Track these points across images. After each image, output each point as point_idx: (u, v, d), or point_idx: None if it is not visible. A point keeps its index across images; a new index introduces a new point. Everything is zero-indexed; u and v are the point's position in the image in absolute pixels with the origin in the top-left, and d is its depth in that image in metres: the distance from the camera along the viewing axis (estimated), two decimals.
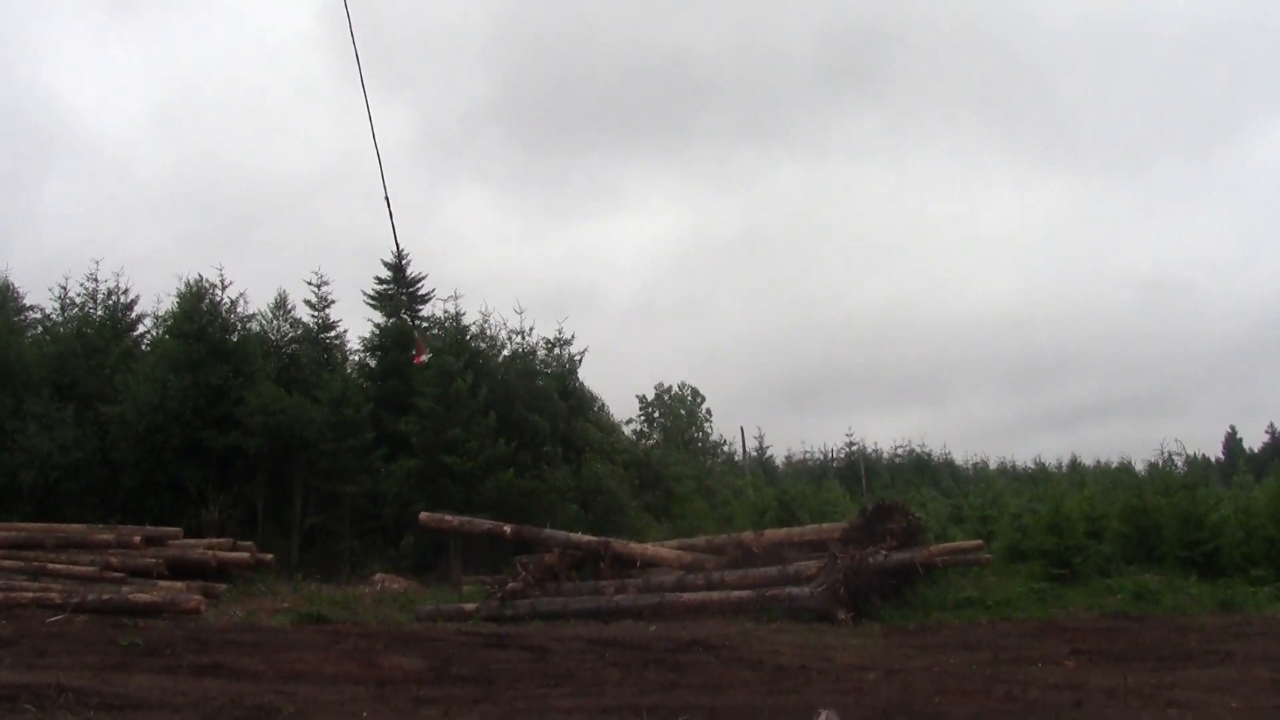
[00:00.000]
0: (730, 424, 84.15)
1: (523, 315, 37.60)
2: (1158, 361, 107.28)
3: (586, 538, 23.54)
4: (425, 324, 31.35)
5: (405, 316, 35.89)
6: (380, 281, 36.89)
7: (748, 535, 22.81)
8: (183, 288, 32.02)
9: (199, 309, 31.30)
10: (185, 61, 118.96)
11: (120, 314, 35.65)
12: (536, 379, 34.59)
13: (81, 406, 30.11)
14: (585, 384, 37.80)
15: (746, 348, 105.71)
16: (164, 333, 33.10)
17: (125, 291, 35.87)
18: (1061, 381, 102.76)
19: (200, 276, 32.20)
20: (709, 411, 60.42)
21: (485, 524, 24.88)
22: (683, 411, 59.13)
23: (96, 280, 35.67)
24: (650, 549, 23.22)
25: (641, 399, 58.72)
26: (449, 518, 25.00)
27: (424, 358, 27.38)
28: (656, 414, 57.92)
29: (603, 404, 43.15)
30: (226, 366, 29.99)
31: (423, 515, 25.04)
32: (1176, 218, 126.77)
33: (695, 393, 60.66)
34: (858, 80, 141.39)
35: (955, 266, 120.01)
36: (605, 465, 33.13)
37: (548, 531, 24.12)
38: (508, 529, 24.19)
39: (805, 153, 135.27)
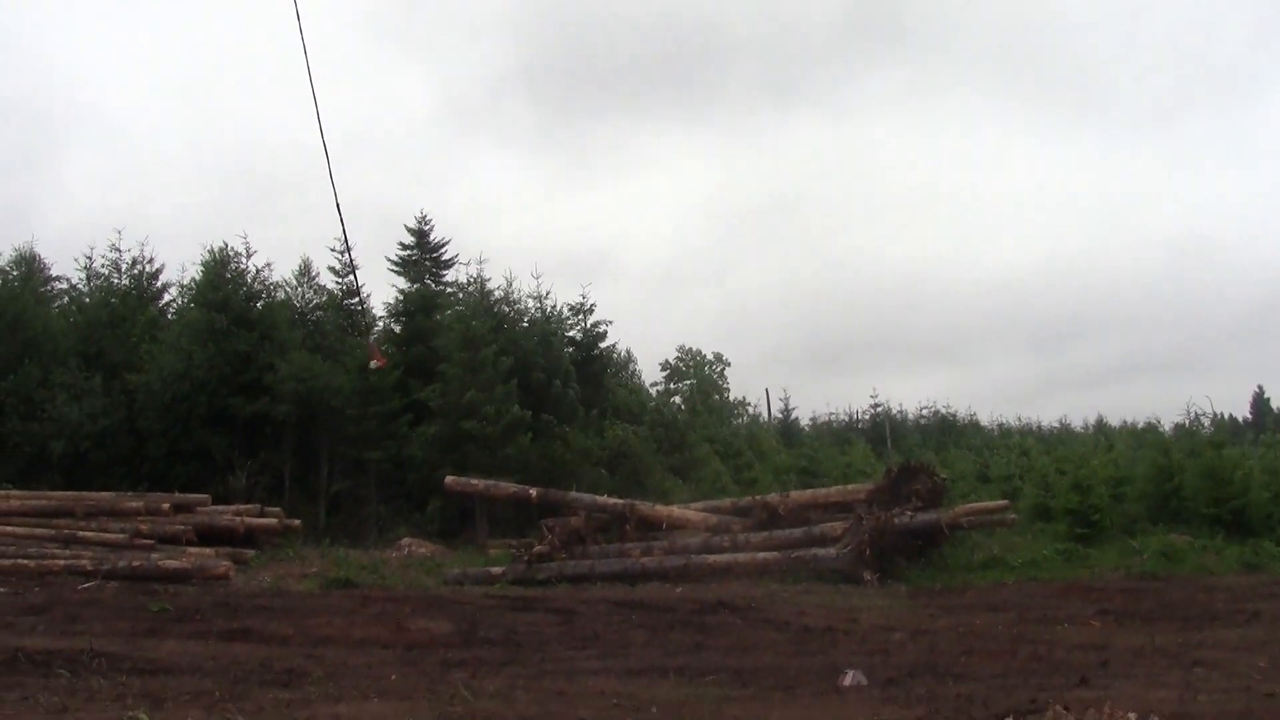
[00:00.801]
0: (755, 386, 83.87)
1: (539, 280, 37.77)
2: (1184, 321, 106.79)
3: (612, 500, 23.59)
4: (374, 333, 31.24)
5: (429, 282, 35.91)
6: (404, 247, 36.92)
7: (773, 497, 22.79)
8: (207, 256, 32.08)
9: (223, 277, 31.33)
10: (206, 31, 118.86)
11: (146, 283, 35.77)
12: (561, 344, 34.56)
13: (108, 376, 30.23)
14: (612, 347, 37.84)
15: (770, 309, 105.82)
16: (189, 302, 33.13)
17: (150, 261, 36.05)
18: (1087, 342, 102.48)
19: (225, 244, 32.27)
20: (724, 374, 60.57)
21: (511, 488, 24.94)
22: (708, 372, 59.25)
23: (119, 250, 35.83)
24: (676, 511, 23.24)
25: (665, 364, 58.86)
26: (474, 481, 25.08)
27: (374, 364, 27.24)
28: (679, 377, 58.06)
29: (632, 367, 43.35)
30: (253, 334, 30.03)
31: (448, 479, 25.12)
32: (1203, 176, 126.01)
33: (719, 357, 60.82)
34: (881, 39, 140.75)
35: (980, 226, 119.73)
36: (631, 427, 33.14)
37: (573, 494, 24.17)
38: (533, 492, 24.26)
39: (828, 113, 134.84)
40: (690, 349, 60.41)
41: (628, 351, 45.17)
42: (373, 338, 29.36)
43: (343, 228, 34.07)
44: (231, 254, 32.04)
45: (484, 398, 28.47)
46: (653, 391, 46.47)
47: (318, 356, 30.40)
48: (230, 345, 29.46)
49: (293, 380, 28.73)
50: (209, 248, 32.22)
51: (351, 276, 34.02)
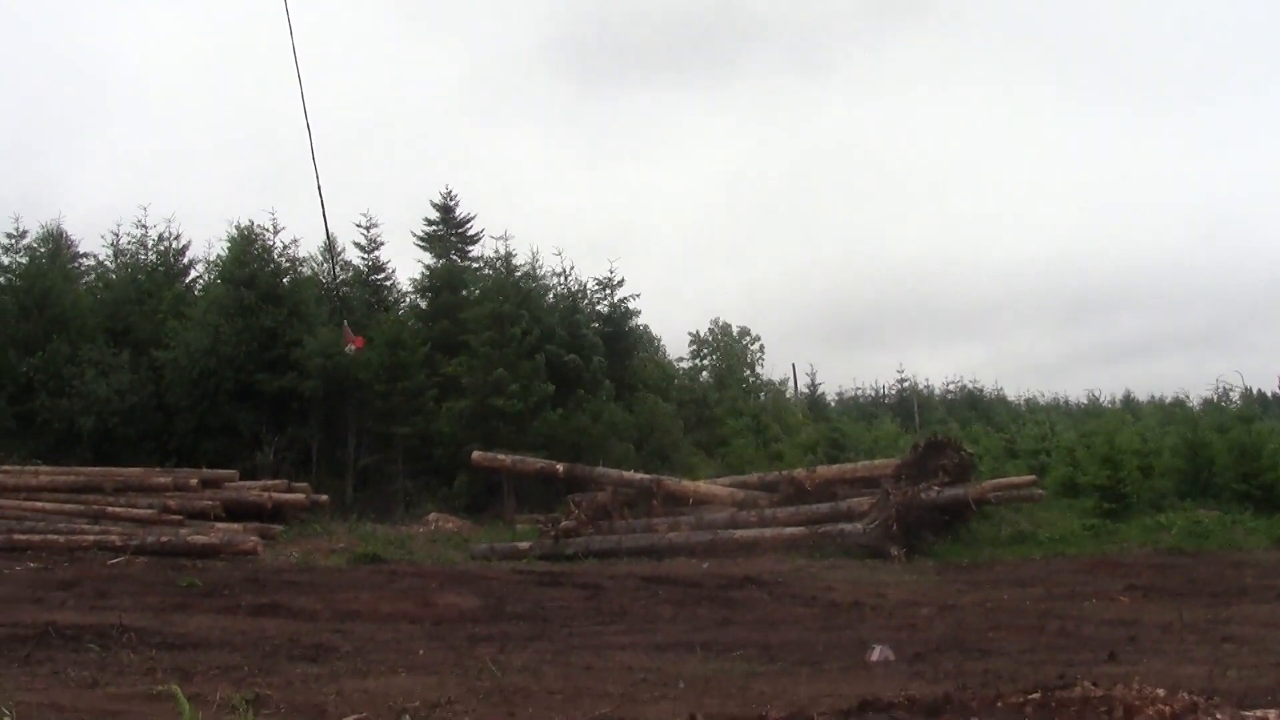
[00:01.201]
0: (781, 361, 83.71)
1: (561, 255, 37.68)
2: (1212, 295, 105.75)
3: (638, 475, 23.60)
4: (347, 318, 31.21)
5: (455, 258, 35.87)
6: (429, 223, 36.89)
7: (800, 472, 22.78)
8: (234, 232, 32.05)
9: (249, 253, 31.31)
10: (234, 6, 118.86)
11: (173, 259, 35.84)
12: (588, 319, 34.52)
13: (136, 352, 30.31)
14: (641, 322, 37.77)
15: (796, 284, 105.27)
16: (215, 278, 33.14)
17: (176, 237, 36.07)
18: (1115, 316, 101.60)
19: (251, 221, 32.23)
20: (762, 349, 60.48)
21: (538, 463, 25.00)
22: (739, 346, 59.20)
23: (144, 227, 35.88)
24: (703, 487, 23.26)
25: (694, 335, 58.81)
26: (501, 457, 25.14)
27: (350, 348, 27.15)
28: (707, 351, 58.03)
29: (660, 343, 43.35)
30: (280, 310, 30.03)
31: (475, 455, 25.17)
32: (1232, 150, 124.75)
33: (746, 332, 60.75)
34: (907, 14, 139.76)
35: (1007, 201, 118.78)
36: (660, 401, 33.12)
37: (600, 470, 24.20)
38: (560, 468, 24.30)
39: (854, 87, 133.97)
40: (720, 323, 60.44)
41: (651, 332, 45.32)
42: (345, 322, 29.29)
43: (323, 211, 34.09)
44: (258, 230, 32.01)
45: (510, 375, 28.46)
46: (681, 366, 46.39)
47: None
48: (257, 321, 29.42)
49: (320, 356, 28.74)
50: (235, 224, 32.19)
51: (328, 261, 34.03)
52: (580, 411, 29.76)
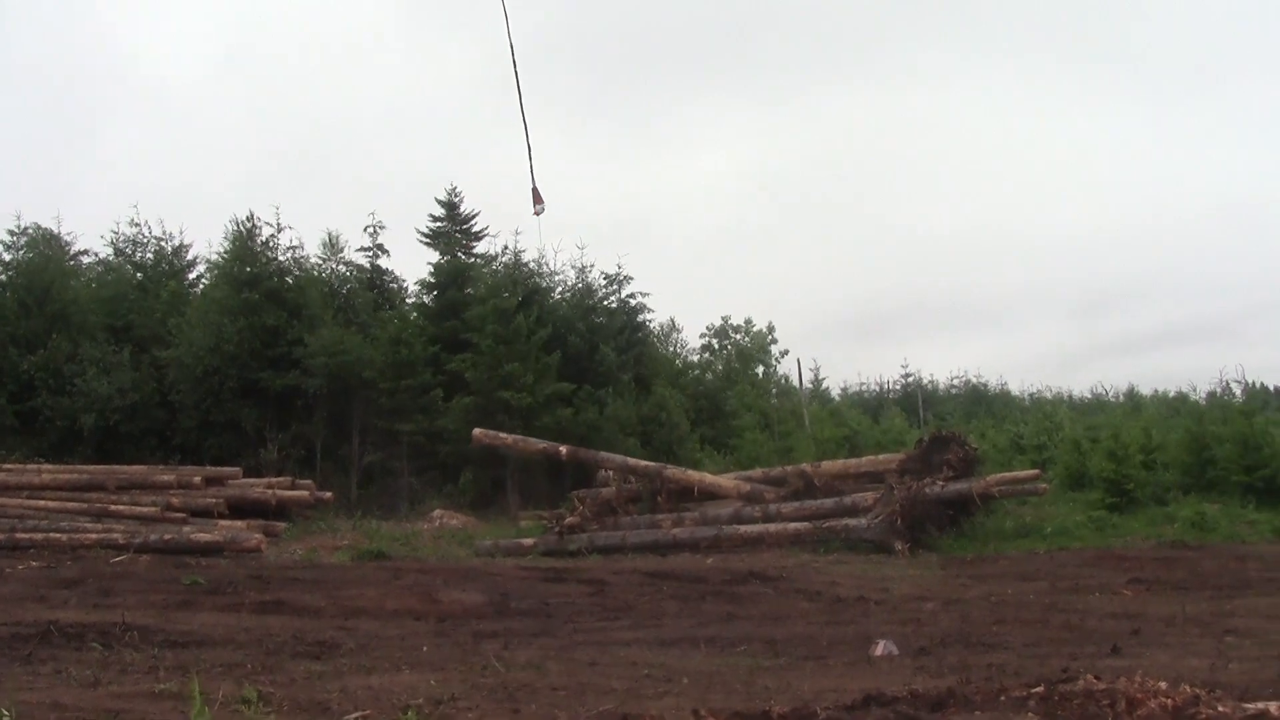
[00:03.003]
0: (787, 357, 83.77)
1: (584, 250, 37.61)
2: (1222, 288, 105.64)
3: (643, 463, 23.71)
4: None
5: (460, 254, 35.82)
6: (434, 219, 36.89)
7: (805, 467, 22.77)
8: (234, 228, 31.86)
9: (250, 250, 31.16)
10: (244, 5, 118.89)
11: (174, 257, 35.82)
12: (597, 313, 34.52)
13: (137, 350, 30.34)
14: (653, 317, 37.77)
15: (801, 279, 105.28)
16: (217, 275, 33.04)
17: (171, 236, 36.04)
18: (1121, 310, 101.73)
19: (251, 214, 31.85)
20: (776, 343, 60.46)
21: (540, 443, 25.14)
22: (745, 341, 59.20)
23: (138, 224, 36.02)
24: (708, 477, 23.32)
25: (710, 328, 58.87)
26: (504, 435, 25.25)
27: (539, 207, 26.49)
28: (718, 345, 58.05)
29: (676, 336, 43.41)
30: (282, 310, 30.02)
31: (476, 431, 25.29)
32: (1250, 140, 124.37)
33: (748, 325, 60.73)
34: (925, 5, 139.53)
35: (1019, 194, 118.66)
36: (671, 391, 33.10)
37: (604, 454, 24.31)
38: (564, 450, 24.45)
39: (869, 81, 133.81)
40: (732, 321, 60.44)
41: (672, 320, 45.39)
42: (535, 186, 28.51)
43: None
44: (259, 225, 31.79)
45: (520, 369, 28.48)
46: (693, 359, 46.45)
47: (352, 330, 30.32)
48: (260, 320, 29.46)
49: (323, 354, 28.74)
50: (234, 219, 31.99)
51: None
52: (588, 405, 29.76)
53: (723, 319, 60.30)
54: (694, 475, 23.30)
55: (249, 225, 31.57)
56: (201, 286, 34.80)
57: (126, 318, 32.01)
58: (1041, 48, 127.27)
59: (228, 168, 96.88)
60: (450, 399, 29.43)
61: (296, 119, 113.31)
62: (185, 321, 30.07)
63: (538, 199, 24.92)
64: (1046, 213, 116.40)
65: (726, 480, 23.02)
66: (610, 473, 23.40)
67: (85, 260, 37.08)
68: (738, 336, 59.85)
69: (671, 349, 42.80)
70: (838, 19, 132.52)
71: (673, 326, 45.50)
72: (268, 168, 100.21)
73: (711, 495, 22.71)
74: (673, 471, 23.22)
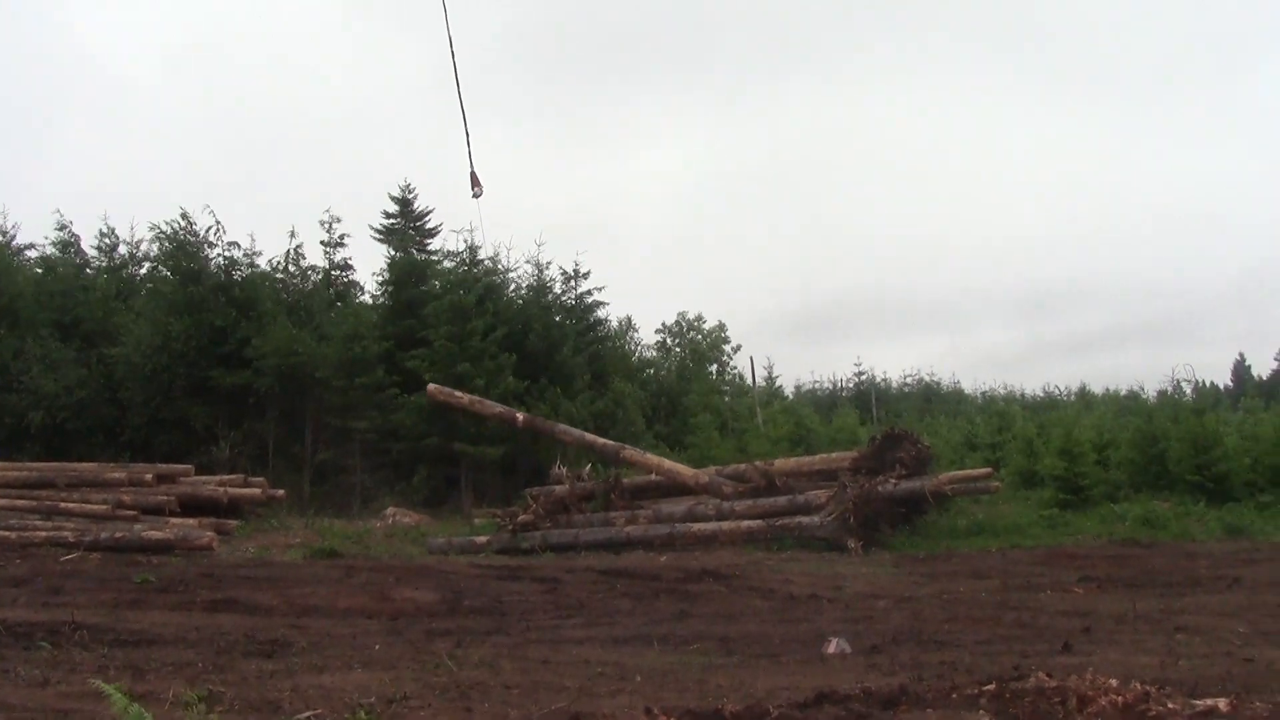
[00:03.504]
0: (740, 353, 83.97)
1: (541, 247, 37.45)
2: (1171, 289, 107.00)
3: (601, 440, 23.91)
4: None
5: (414, 251, 35.65)
6: (388, 216, 36.76)
7: (758, 464, 22.77)
8: (165, 227, 31.21)
9: (187, 249, 30.55)
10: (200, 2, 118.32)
11: (125, 255, 35.67)
12: (552, 311, 34.40)
13: (85, 345, 30.08)
14: (610, 313, 37.72)
15: (754, 277, 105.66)
16: (162, 272, 32.58)
17: (132, 229, 35.89)
18: (1072, 310, 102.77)
19: (183, 212, 31.18)
20: (727, 340, 60.55)
21: (498, 407, 25.28)
22: (700, 339, 59.28)
23: (67, 226, 35.96)
24: (666, 462, 23.40)
25: (664, 325, 58.92)
26: (459, 394, 25.27)
27: (477, 190, 26.25)
28: (672, 342, 58.09)
29: (633, 334, 43.47)
30: (231, 308, 29.66)
31: (431, 386, 25.41)
32: (1194, 145, 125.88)
33: (698, 322, 60.80)
34: (877, 5, 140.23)
35: (966, 195, 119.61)
36: (628, 384, 33.07)
37: (561, 427, 24.48)
38: (520, 416, 24.69)
39: (823, 80, 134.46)
40: (688, 317, 60.46)
41: (629, 318, 45.50)
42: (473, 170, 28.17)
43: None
44: (193, 225, 31.10)
45: (475, 370, 28.38)
46: (649, 355, 46.53)
47: (304, 331, 29.94)
48: (207, 318, 29.13)
49: (274, 355, 28.48)
50: (166, 220, 31.31)
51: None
52: (539, 404, 29.68)
53: (679, 315, 60.39)
54: (652, 459, 23.35)
55: (184, 224, 30.98)
56: (149, 285, 34.43)
57: (74, 313, 31.70)
58: (993, 52, 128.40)
59: (178, 162, 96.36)
60: (410, 395, 29.20)
61: (249, 115, 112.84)
62: (131, 319, 29.80)
63: (475, 182, 24.97)
64: (998, 214, 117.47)
65: (685, 468, 23.07)
66: (564, 470, 23.35)
67: (31, 255, 36.82)
68: (692, 335, 59.91)
69: (627, 346, 42.76)
70: (793, 18, 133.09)
71: (629, 324, 45.65)
72: (220, 162, 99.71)
73: (670, 481, 22.68)
74: (631, 453, 23.27)
